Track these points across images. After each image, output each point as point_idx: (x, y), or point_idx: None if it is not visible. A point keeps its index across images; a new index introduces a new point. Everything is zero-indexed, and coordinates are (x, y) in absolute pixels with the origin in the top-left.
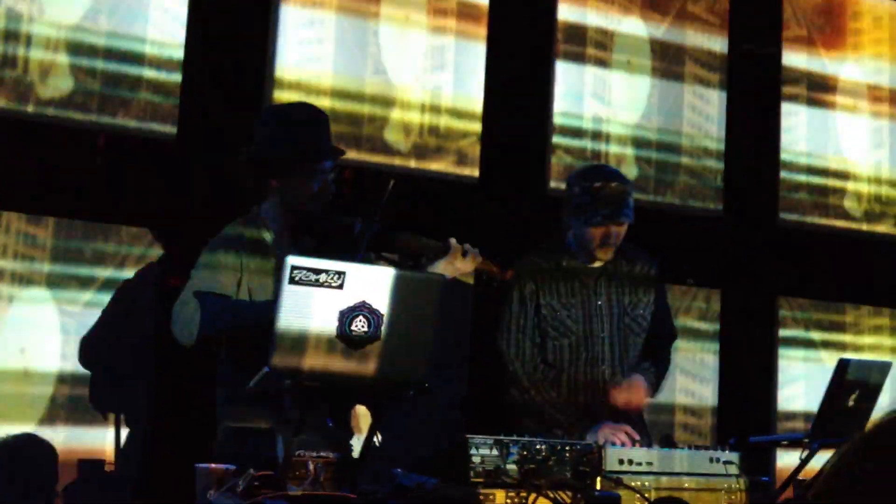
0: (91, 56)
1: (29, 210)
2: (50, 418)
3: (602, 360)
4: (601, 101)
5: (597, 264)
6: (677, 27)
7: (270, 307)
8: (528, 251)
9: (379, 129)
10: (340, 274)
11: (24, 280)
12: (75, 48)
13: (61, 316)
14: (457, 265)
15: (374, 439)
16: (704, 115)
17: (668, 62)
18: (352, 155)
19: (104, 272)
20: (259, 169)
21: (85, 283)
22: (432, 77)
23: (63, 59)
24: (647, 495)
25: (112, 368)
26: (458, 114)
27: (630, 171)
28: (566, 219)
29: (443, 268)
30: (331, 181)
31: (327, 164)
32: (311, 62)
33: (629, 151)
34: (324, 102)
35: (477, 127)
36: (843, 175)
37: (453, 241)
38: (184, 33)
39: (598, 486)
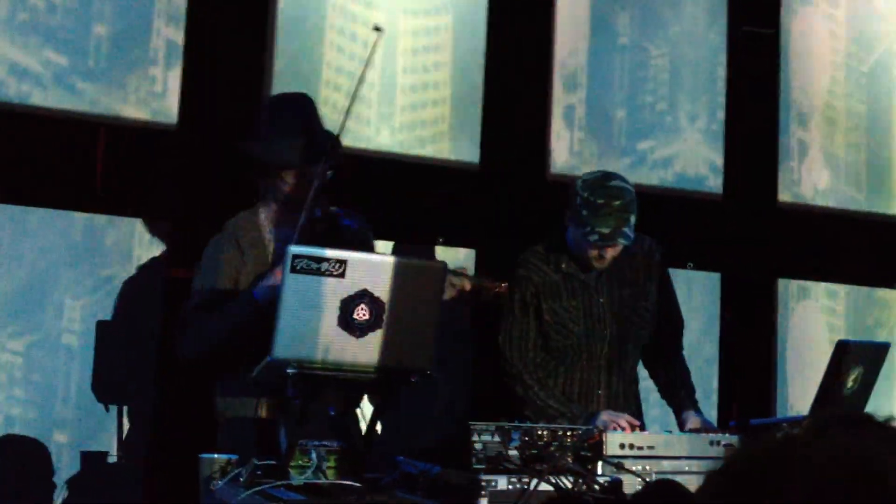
0: None
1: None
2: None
3: (602, 356)
4: None
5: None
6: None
7: (249, 298)
8: (527, 252)
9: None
10: (342, 262)
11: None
12: None
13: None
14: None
15: (377, 427)
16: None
17: None
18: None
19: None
20: (249, 165)
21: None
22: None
23: None
24: (648, 479)
25: (116, 361)
26: None
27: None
28: (567, 221)
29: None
30: (318, 180)
31: (315, 166)
32: None
33: None
34: None
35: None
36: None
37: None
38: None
39: (600, 471)
